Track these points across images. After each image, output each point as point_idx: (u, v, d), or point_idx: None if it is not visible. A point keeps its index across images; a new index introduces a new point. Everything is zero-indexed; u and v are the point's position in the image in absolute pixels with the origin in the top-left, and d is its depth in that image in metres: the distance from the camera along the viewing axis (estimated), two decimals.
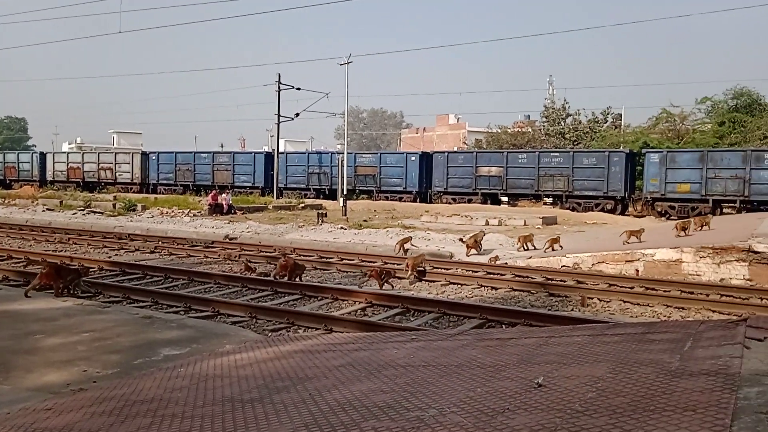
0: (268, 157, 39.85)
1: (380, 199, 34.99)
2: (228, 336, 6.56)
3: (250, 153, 42.85)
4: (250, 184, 39.53)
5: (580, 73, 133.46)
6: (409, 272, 11.48)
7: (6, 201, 31.72)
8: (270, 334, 7.48)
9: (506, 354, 4.60)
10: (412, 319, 8.55)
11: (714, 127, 37.80)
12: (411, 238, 15.75)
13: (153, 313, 7.91)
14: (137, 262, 13.20)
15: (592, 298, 9.93)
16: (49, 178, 46.37)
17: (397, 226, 20.33)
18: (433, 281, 11.52)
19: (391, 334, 6.22)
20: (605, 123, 47.06)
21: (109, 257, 14.49)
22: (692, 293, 10.31)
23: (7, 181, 47.16)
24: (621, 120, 47.88)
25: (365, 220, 22.79)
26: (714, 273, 11.94)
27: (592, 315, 8.91)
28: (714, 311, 9.10)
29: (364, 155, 38.21)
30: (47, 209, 27.59)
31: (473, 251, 14.52)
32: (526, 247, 15.02)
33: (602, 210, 29.93)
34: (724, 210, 28.14)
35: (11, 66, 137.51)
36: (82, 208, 27.09)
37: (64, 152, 54.85)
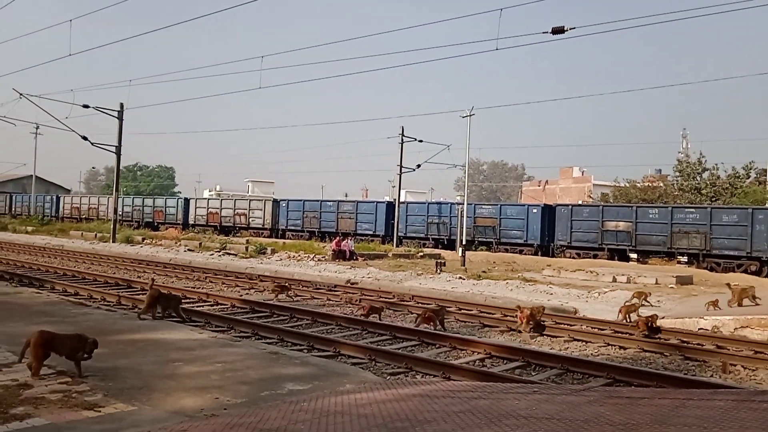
0: (389, 206, 40.75)
1: (499, 251, 34.40)
2: (348, 375, 6.70)
3: (373, 202, 44.07)
4: (371, 232, 40.50)
5: (717, 125, 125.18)
6: (523, 324, 11.13)
7: (153, 241, 34.82)
8: (388, 377, 7.54)
9: (638, 413, 4.33)
10: (533, 373, 8.27)
11: None
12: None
13: (279, 349, 8.27)
14: (265, 302, 13.89)
15: (735, 365, 9.07)
16: (191, 221, 50.36)
17: (518, 278, 19.85)
18: (556, 336, 11.09)
19: (512, 385, 6.06)
20: (747, 179, 43.52)
21: (241, 295, 15.38)
22: None
23: (155, 224, 51.76)
24: (766, 175, 44.06)
25: (484, 271, 22.49)
26: None
27: (735, 383, 8.13)
28: None
29: (483, 206, 37.97)
30: (188, 249, 29.91)
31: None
32: (627, 320, 12.23)
33: (745, 271, 27.39)
34: None
35: (164, 120, 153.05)
36: (218, 250, 29.09)
37: (205, 198, 59.49)
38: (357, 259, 26.76)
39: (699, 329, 12.13)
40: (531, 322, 11.19)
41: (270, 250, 28.34)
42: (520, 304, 12.87)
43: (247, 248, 29.18)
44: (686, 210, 30.47)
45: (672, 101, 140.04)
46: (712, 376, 8.65)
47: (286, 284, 16.14)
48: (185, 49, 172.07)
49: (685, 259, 30.34)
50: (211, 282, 17.96)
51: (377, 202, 43.14)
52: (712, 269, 27.99)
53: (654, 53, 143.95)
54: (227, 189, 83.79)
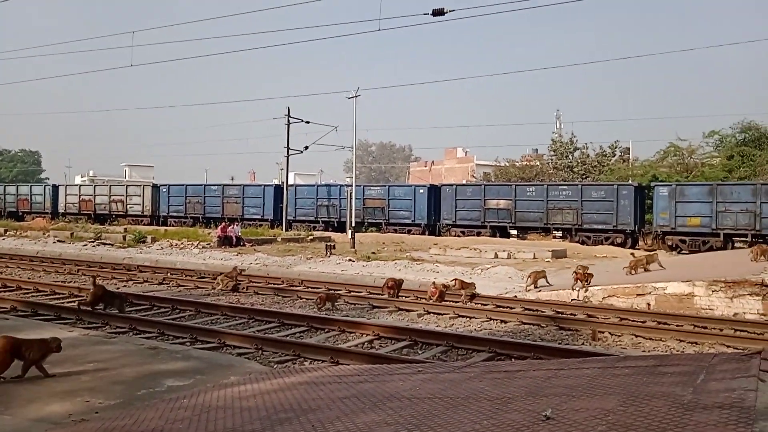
0: (278, 189, 40.07)
1: (389, 232, 34.95)
2: (233, 367, 6.49)
3: (260, 186, 43.11)
4: (259, 217, 39.66)
5: (587, 106, 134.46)
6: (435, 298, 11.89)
7: (18, 233, 31.96)
8: (276, 366, 7.40)
9: (514, 386, 4.51)
10: (420, 351, 8.45)
11: (723, 161, 37.75)
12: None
13: (159, 344, 7.87)
14: (145, 294, 13.18)
15: (603, 332, 9.78)
16: (61, 210, 46.75)
17: (406, 258, 20.26)
18: (442, 314, 11.42)
19: (398, 366, 6.13)
20: (613, 157, 47.12)
21: (118, 288, 14.49)
22: (705, 328, 10.15)
23: (20, 213, 47.55)
24: (629, 154, 47.94)
25: (374, 253, 22.73)
26: (727, 307, 11.75)
27: (603, 349, 8.77)
28: (728, 346, 8.92)
29: (372, 188, 38.34)
30: (58, 241, 27.76)
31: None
32: (536, 286, 13.91)
33: (612, 243, 29.72)
34: (736, 244, 27.86)
35: (25, 99, 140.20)
36: (92, 240, 27.24)
37: (76, 185, 55.42)
38: (244, 245, 26.10)
39: (572, 300, 12.98)
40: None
41: (150, 239, 26.96)
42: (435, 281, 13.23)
43: (125, 237, 27.57)
44: (560, 187, 32.48)
45: (547, 83, 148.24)
46: (583, 344, 9.28)
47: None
48: (48, 22, 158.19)
49: (559, 233, 32.41)
50: (85, 275, 16.76)
51: (264, 186, 42.27)
52: (583, 242, 30.11)
53: (531, 36, 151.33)
54: (102, 174, 78.65)
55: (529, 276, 14.39)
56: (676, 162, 40.46)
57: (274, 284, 15.05)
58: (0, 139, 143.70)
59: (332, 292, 13.12)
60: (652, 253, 18.35)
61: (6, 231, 32.71)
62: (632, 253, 22.08)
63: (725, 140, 39.27)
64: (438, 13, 15.74)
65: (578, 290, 13.15)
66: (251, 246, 25.77)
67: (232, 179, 67.80)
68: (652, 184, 31.23)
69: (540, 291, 13.68)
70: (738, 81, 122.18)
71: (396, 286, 13.00)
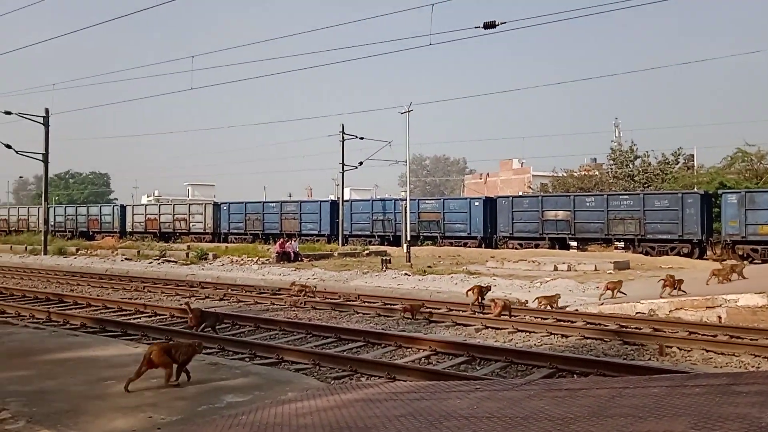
0: (333, 205, 40.53)
1: (444, 245, 34.73)
2: (291, 383, 6.53)
3: (316, 202, 43.73)
4: (316, 232, 40.18)
5: (647, 114, 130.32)
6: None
7: (89, 252, 33.46)
8: (332, 382, 7.41)
9: (576, 406, 4.35)
10: (478, 367, 8.29)
11: None
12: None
13: (219, 359, 7.99)
14: (206, 310, 13.48)
15: (671, 347, 9.36)
16: (128, 229, 48.69)
17: (462, 272, 20.04)
18: (501, 328, 11.21)
19: (455, 383, 6.03)
20: (677, 164, 45.40)
21: (181, 305, 14.90)
22: None
23: (91, 233, 49.78)
24: (693, 161, 46.10)
25: (429, 266, 22.61)
26: None
27: (671, 365, 8.38)
28: None
29: (427, 201, 38.26)
30: (126, 259, 28.88)
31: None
32: (614, 296, 13.78)
33: (678, 254, 28.57)
34: None
35: (96, 124, 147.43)
36: (157, 258, 28.20)
37: (142, 204, 57.64)
38: (302, 260, 26.46)
39: (636, 313, 12.51)
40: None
41: (212, 255, 27.69)
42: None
43: (187, 254, 28.42)
44: (621, 197, 31.53)
45: (604, 92, 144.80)
46: (650, 359, 8.89)
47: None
48: (111, 50, 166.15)
49: (621, 244, 31.43)
50: (150, 292, 17.35)
51: (321, 202, 42.84)
52: (647, 253, 29.08)
53: (585, 45, 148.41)
54: (166, 194, 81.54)
55: (606, 286, 14.21)
56: (744, 168, 38.59)
57: (331, 299, 15.15)
58: (72, 163, 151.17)
59: (416, 302, 13.42)
60: (738, 263, 17.83)
61: (78, 250, 34.31)
62: (720, 262, 21.05)
63: None
64: (489, 26, 15.64)
65: (668, 294, 12.98)
66: (308, 261, 26.10)
67: (290, 196, 69.18)
68: (720, 191, 29.90)
69: (603, 305, 13.25)
70: None
71: (413, 309, 12.45)
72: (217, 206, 45.78)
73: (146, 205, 56.38)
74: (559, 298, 13.36)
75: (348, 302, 14.49)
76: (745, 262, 24.03)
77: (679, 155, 45.78)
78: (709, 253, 30.06)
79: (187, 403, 5.73)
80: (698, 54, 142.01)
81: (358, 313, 13.30)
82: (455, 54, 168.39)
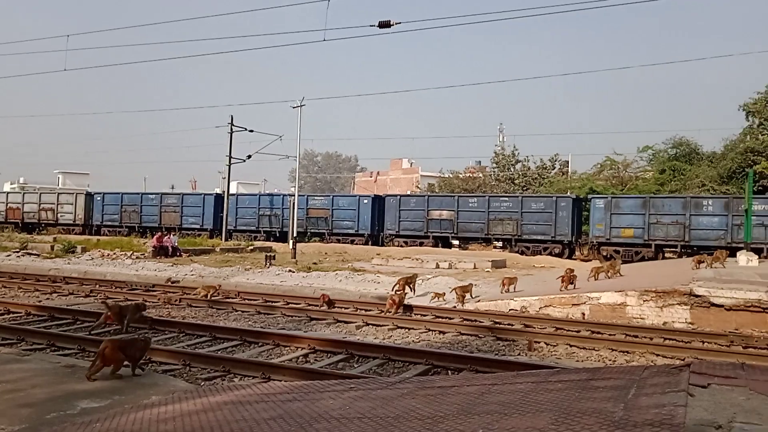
0: (218, 198, 39.17)
1: (332, 242, 34.67)
2: (156, 386, 6.10)
3: (200, 194, 42.03)
4: (198, 226, 38.66)
5: (529, 120, 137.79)
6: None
7: None
8: (203, 384, 7.04)
9: (447, 404, 4.36)
10: (356, 365, 8.23)
11: (655, 175, 39.24)
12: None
13: (77, 361, 7.36)
14: (69, 307, 12.46)
15: (539, 342, 9.82)
16: None
17: (347, 269, 20.02)
18: (381, 325, 11.25)
19: (330, 382, 5.90)
20: (553, 169, 48.36)
21: (39, 301, 13.68)
22: (636, 337, 10.34)
23: None
24: (568, 167, 49.31)
25: (315, 263, 22.40)
26: (657, 316, 12.05)
27: (538, 359, 8.78)
28: (658, 355, 9.10)
29: (316, 197, 37.99)
30: None
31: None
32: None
33: (550, 254, 30.35)
34: (666, 254, 28.92)
35: None
36: (17, 250, 25.79)
37: (4, 192, 52.66)
38: (180, 255, 25.28)
39: (510, 310, 13.05)
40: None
41: (80, 249, 25.76)
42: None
43: (53, 247, 26.24)
44: (501, 199, 32.99)
45: (491, 97, 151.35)
46: (519, 354, 9.27)
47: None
48: None
49: (500, 244, 32.92)
50: (5, 287, 15.78)
51: (205, 195, 41.25)
52: (522, 252, 30.63)
53: (475, 50, 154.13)
54: (34, 182, 75.06)
55: (503, 282, 14.80)
56: (612, 175, 41.84)
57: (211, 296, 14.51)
58: None
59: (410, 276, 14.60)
60: (613, 261, 19.56)
61: None
62: (602, 261, 22.71)
63: (658, 155, 40.86)
64: (384, 25, 15.70)
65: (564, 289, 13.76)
66: (188, 256, 24.98)
67: (173, 188, 66.01)
68: (589, 196, 32.12)
69: (479, 302, 13.70)
70: (671, 98, 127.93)
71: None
72: (90, 196, 42.74)
73: (8, 192, 51.57)
74: (473, 287, 14.30)
75: (227, 299, 13.96)
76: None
77: (555, 161, 48.82)
78: (577, 253, 32.22)
79: (34, 411, 5.18)
80: (577, 66, 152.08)
81: (236, 311, 12.84)
82: (350, 51, 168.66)
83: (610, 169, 42.31)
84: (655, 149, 41.07)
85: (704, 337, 10.31)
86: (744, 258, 19.95)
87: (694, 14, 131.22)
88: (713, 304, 11.65)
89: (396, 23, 14.83)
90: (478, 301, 13.80)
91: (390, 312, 11.95)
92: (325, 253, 28.79)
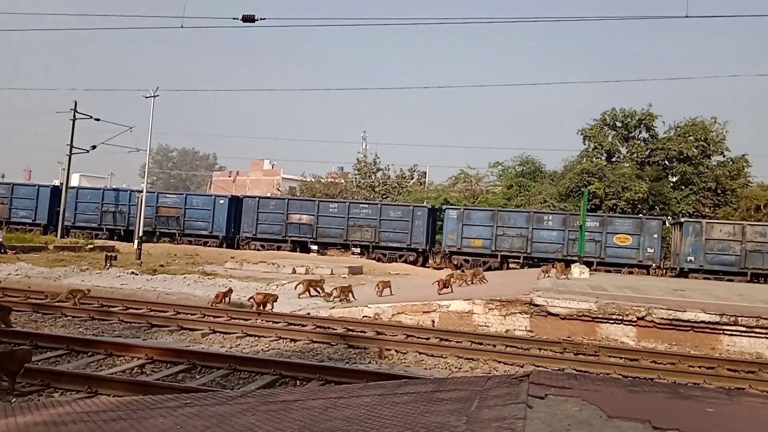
0: (55, 191, 35.69)
1: (183, 243, 32.93)
2: None
3: (34, 186, 37.98)
4: (30, 221, 34.96)
5: (392, 130, 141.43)
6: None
7: None
8: (15, 401, 6.17)
9: (288, 420, 4.09)
10: (198, 377, 7.68)
11: (503, 190, 41.86)
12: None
13: None
14: None
15: (389, 350, 9.84)
16: None
17: (197, 272, 19.01)
18: (229, 333, 10.70)
19: (164, 397, 5.37)
20: (412, 179, 49.87)
21: None
22: (481, 344, 10.73)
23: None
24: (425, 177, 51.12)
25: (162, 266, 21.03)
26: (501, 324, 12.66)
27: (388, 368, 8.78)
28: (500, 362, 9.49)
29: (167, 195, 35.86)
30: None
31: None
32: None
33: (405, 261, 31.16)
34: (511, 265, 30.85)
35: None
36: None
37: None
38: (5, 252, 22.61)
39: (363, 317, 13.05)
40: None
41: None
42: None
43: None
44: (361, 205, 33.33)
45: (356, 103, 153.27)
46: (370, 362, 9.22)
47: None
48: None
49: (358, 250, 33.22)
50: None
51: (39, 186, 37.33)
52: (379, 259, 31.14)
53: (342, 56, 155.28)
54: None
55: (301, 283, 15.12)
56: (465, 188, 43.97)
57: (35, 299, 13.03)
58: None
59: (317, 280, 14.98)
60: (476, 269, 20.96)
61: None
62: (462, 269, 23.76)
63: (507, 171, 43.64)
64: (248, 19, 15.12)
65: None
66: (14, 253, 22.39)
67: (2, 177, 59.31)
68: (444, 207, 33.46)
69: (334, 308, 13.57)
70: (520, 117, 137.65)
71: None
72: None
73: None
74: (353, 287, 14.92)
75: (56, 303, 12.58)
76: (459, 270, 27.09)
77: (414, 171, 50.39)
78: (431, 261, 33.40)
79: None
80: (439, 80, 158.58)
81: (66, 316, 11.60)
82: (213, 44, 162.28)
83: (463, 182, 44.46)
84: (505, 165, 43.90)
85: (541, 345, 10.96)
86: (577, 270, 21.74)
87: (544, 41, 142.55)
88: (550, 313, 12.47)
89: (260, 18, 14.33)
90: (332, 308, 13.66)
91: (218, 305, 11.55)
92: (175, 255, 27.22)
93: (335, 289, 14.63)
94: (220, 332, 10.72)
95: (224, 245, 33.17)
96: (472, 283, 17.83)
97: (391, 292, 15.25)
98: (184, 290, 15.26)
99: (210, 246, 32.47)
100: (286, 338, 10.47)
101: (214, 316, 12.01)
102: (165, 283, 16.30)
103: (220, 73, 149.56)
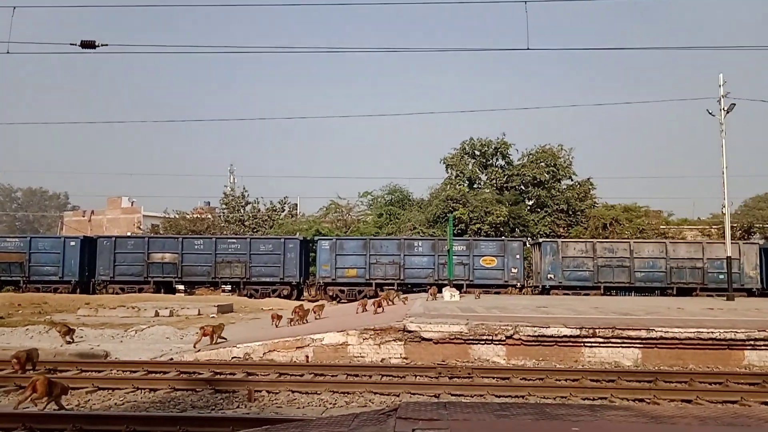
0: None
1: (30, 291, 29.73)
2: None
3: None
4: None
5: (259, 162, 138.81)
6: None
7: None
8: None
9: None
10: None
11: (374, 218, 42.37)
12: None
13: None
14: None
15: (260, 391, 9.27)
16: None
17: (44, 322, 17.08)
18: (78, 388, 9.54)
19: None
20: (283, 212, 49.08)
21: None
22: (357, 376, 10.47)
23: None
24: (297, 209, 50.56)
25: (1, 317, 18.71)
26: (376, 353, 12.47)
27: (258, 411, 8.23)
28: (376, 393, 9.26)
29: (8, 239, 32.26)
30: None
31: None
32: (215, 341, 13.16)
33: (279, 296, 30.32)
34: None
35: None
36: None
37: None
38: None
39: (232, 358, 12.30)
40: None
41: None
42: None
43: None
44: (228, 240, 32.11)
45: (220, 135, 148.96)
46: (238, 406, 8.60)
47: None
48: None
49: (228, 287, 31.86)
50: None
51: None
52: (251, 296, 30.04)
53: (195, 85, 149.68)
54: None
55: (204, 332, 13.25)
56: (336, 218, 43.97)
57: None
58: None
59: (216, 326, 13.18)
60: (320, 302, 19.90)
61: None
62: (299, 306, 22.87)
63: (376, 200, 44.26)
64: (88, 45, 14.05)
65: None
66: None
67: None
68: (316, 238, 33.11)
69: (199, 351, 12.68)
70: (387, 147, 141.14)
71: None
72: None
73: None
74: (223, 327, 13.93)
75: None
76: (324, 301, 26.80)
77: (285, 203, 49.67)
78: (305, 294, 32.80)
79: None
80: (302, 111, 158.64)
81: None
82: (52, 72, 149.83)
83: (335, 212, 44.46)
84: (374, 195, 44.51)
85: (416, 371, 10.90)
86: (448, 294, 22.27)
87: (406, 71, 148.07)
88: (423, 338, 12.48)
89: (102, 44, 13.34)
90: (198, 350, 12.76)
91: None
92: (18, 305, 24.40)
93: (203, 327, 13.48)
94: (71, 387, 9.53)
95: (78, 290, 30.36)
96: (388, 304, 18.47)
97: (219, 339, 13.42)
98: (25, 343, 13.57)
99: (61, 293, 29.56)
100: (144, 388, 9.54)
101: (62, 370, 10.72)
102: (2, 337, 14.44)
103: (65, 105, 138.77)
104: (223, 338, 13.63)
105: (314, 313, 17.27)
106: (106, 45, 13.44)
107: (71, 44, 13.32)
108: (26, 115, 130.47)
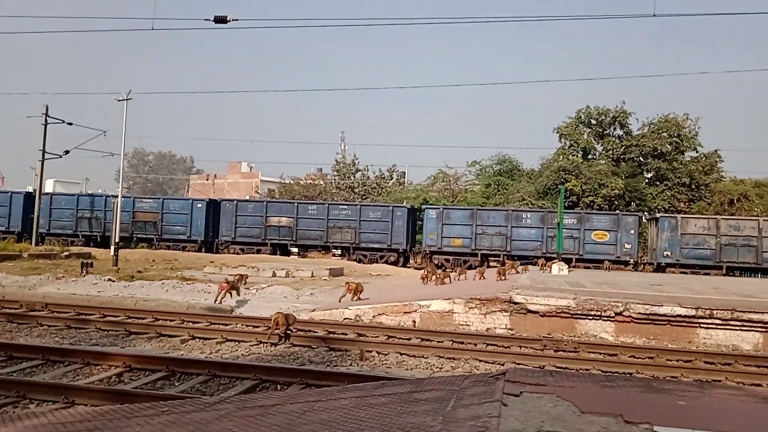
0: (29, 197, 35.11)
1: (162, 248, 32.59)
2: None
3: (6, 193, 37.35)
4: (4, 228, 34.33)
5: (370, 130, 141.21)
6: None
7: None
8: None
9: (266, 425, 4.09)
10: (177, 383, 7.62)
11: (482, 189, 42.10)
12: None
13: None
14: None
15: (370, 351, 9.86)
16: None
17: (176, 278, 18.82)
18: (209, 338, 10.63)
19: (141, 406, 5.33)
20: (391, 180, 49.95)
21: None
22: (462, 343, 10.80)
23: None
24: (405, 177, 51.24)
25: (139, 272, 20.79)
26: (481, 323, 12.74)
27: (369, 369, 8.80)
28: (481, 360, 9.56)
29: (144, 200, 35.48)
30: None
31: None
32: (358, 297, 14.40)
33: (386, 262, 31.19)
34: (491, 263, 31.03)
35: None
36: None
37: None
38: None
39: (344, 319, 13.05)
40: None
41: None
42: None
43: None
44: (340, 206, 33.31)
45: (334, 104, 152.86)
46: (351, 364, 9.22)
47: None
48: None
49: (339, 252, 33.19)
50: None
51: (12, 192, 36.73)
52: (360, 261, 31.14)
53: (317, 56, 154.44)
54: None
55: (348, 289, 14.69)
56: (444, 187, 44.15)
57: (10, 309, 12.81)
58: None
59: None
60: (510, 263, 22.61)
61: None
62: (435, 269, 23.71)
63: (485, 170, 43.89)
64: (220, 20, 15.01)
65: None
66: None
67: None
68: (423, 206, 33.56)
69: (314, 311, 13.54)
70: (496, 116, 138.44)
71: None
72: None
73: None
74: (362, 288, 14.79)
75: (30, 312, 12.40)
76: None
77: (393, 172, 50.48)
78: (411, 261, 33.49)
79: None
80: (415, 80, 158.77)
81: (42, 325, 11.43)
82: (185, 45, 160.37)
83: (442, 181, 44.65)
84: (482, 164, 44.15)
85: (521, 342, 11.06)
86: (556, 267, 21.98)
87: (516, 41, 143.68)
88: (529, 311, 12.58)
89: (233, 19, 14.22)
90: (314, 310, 13.64)
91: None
92: (153, 261, 26.92)
93: (348, 284, 15.02)
94: (200, 338, 10.64)
95: (203, 249, 32.92)
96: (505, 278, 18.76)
97: (359, 297, 14.45)
98: (162, 296, 15.12)
99: (188, 251, 32.19)
100: (266, 342, 10.43)
101: (194, 322, 11.92)
102: (143, 289, 16.13)
103: (194, 75, 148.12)
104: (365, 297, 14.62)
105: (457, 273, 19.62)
106: (236, 20, 14.32)
107: (205, 20, 14.32)
108: (162, 85, 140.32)
